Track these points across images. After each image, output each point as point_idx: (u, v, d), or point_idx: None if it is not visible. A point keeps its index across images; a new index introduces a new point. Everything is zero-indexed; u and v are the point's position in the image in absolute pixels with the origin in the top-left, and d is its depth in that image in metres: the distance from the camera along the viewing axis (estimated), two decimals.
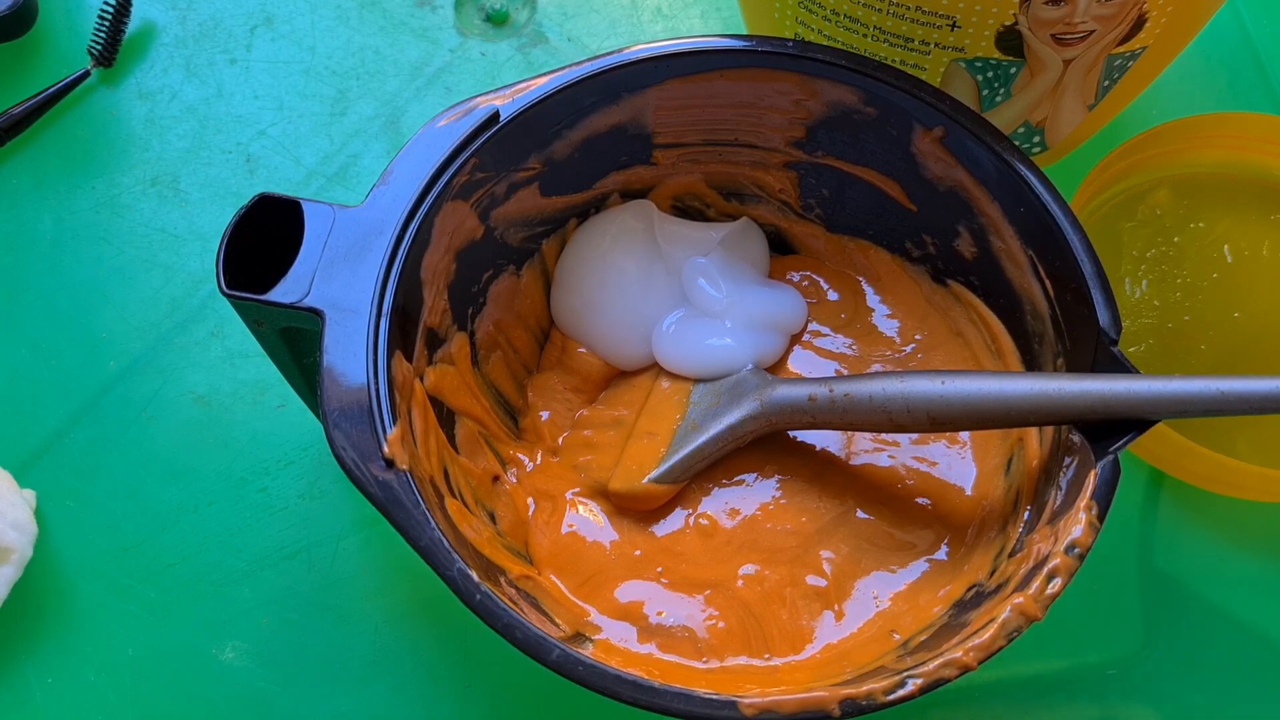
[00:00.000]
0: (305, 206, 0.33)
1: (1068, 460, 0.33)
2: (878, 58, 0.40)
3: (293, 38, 0.51)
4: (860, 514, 0.38)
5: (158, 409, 0.44)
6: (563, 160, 0.39)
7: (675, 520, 0.38)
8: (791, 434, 0.40)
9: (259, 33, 0.51)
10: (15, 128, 0.48)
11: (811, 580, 0.37)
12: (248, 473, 0.43)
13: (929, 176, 0.38)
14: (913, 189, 0.39)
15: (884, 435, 0.39)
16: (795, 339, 0.41)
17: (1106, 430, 0.32)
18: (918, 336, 0.41)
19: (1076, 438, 0.33)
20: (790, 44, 0.37)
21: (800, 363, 0.41)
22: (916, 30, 0.39)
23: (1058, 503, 0.33)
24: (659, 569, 0.37)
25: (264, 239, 0.33)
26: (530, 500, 0.39)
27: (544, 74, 0.36)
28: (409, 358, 0.34)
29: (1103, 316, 0.33)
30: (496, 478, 0.38)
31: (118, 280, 0.46)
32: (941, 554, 0.37)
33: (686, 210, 0.43)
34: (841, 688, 0.30)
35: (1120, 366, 0.32)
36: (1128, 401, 0.31)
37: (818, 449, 0.39)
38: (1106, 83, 0.41)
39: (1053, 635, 0.36)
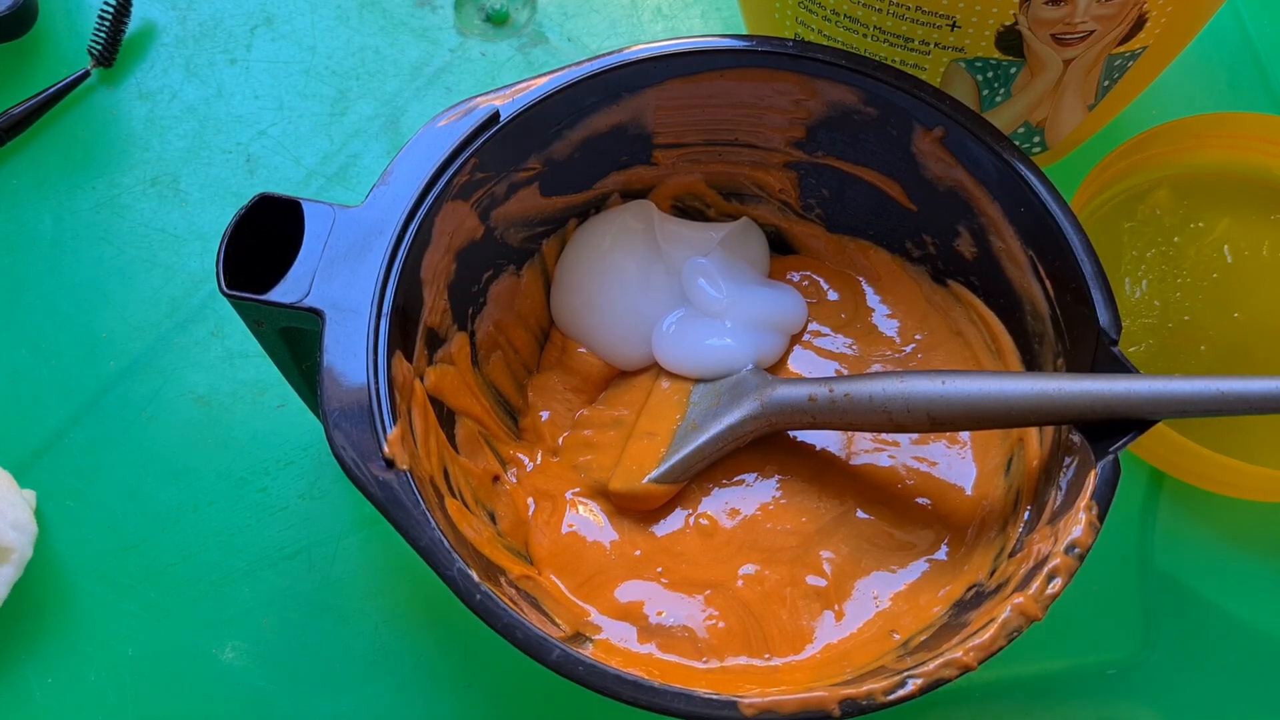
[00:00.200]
0: (305, 206, 0.33)
1: (1068, 460, 0.33)
2: (878, 58, 0.40)
3: (293, 38, 0.51)
4: (860, 514, 0.38)
5: (158, 409, 0.44)
6: (563, 160, 0.39)
7: (675, 520, 0.38)
8: (791, 434, 0.40)
9: (259, 33, 0.51)
10: (15, 128, 0.48)
11: (811, 580, 0.37)
12: (248, 473, 0.43)
13: (929, 176, 0.38)
14: (913, 189, 0.39)
15: (884, 435, 0.39)
16: (795, 339, 0.41)
17: (1107, 430, 0.32)
18: (918, 336, 0.41)
19: (1076, 438, 0.33)
20: (790, 44, 0.37)
21: (800, 363, 0.41)
22: (916, 30, 0.39)
23: (1058, 503, 0.33)
24: (659, 569, 0.37)
25: (264, 239, 0.33)
26: (530, 500, 0.39)
27: (544, 74, 0.36)
28: (409, 358, 0.34)
29: (1103, 316, 0.33)
30: (496, 478, 0.38)
31: (118, 280, 0.46)
32: (941, 554, 0.37)
33: (686, 210, 0.43)
34: (841, 688, 0.30)
35: (1120, 366, 0.32)
36: (1128, 401, 0.31)
37: (818, 449, 0.39)
38: (1106, 83, 0.41)
39: (1053, 635, 0.36)
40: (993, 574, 0.34)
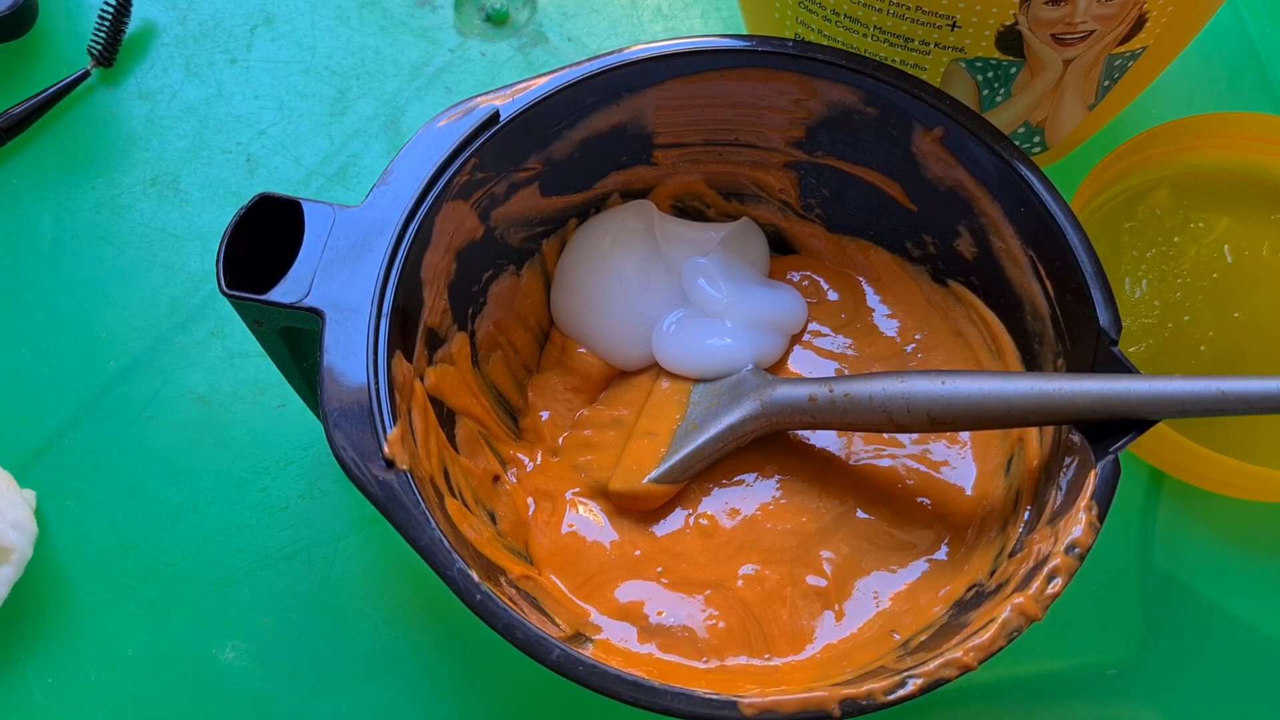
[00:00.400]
0: (305, 206, 0.33)
1: (1068, 460, 0.33)
2: (878, 58, 0.40)
3: (293, 38, 0.51)
4: (860, 514, 0.38)
5: (158, 409, 0.44)
6: (563, 160, 0.39)
7: (675, 520, 0.38)
8: (792, 434, 0.40)
9: (259, 33, 0.51)
10: (15, 128, 0.48)
11: (811, 580, 0.37)
12: (248, 473, 0.43)
13: (929, 176, 0.38)
14: (913, 189, 0.39)
15: (884, 435, 0.39)
16: (795, 339, 0.41)
17: (1107, 430, 0.32)
18: (918, 336, 0.41)
19: (1077, 438, 0.33)
20: (790, 44, 0.37)
21: (800, 363, 0.41)
22: (916, 30, 0.39)
23: (1058, 503, 0.33)
24: (659, 569, 0.37)
25: (264, 239, 0.33)
26: (530, 500, 0.39)
27: (544, 74, 0.36)
28: (409, 358, 0.34)
29: (1103, 316, 0.33)
30: (496, 478, 0.38)
31: (118, 280, 0.46)
32: (942, 554, 0.37)
33: (686, 210, 0.43)
34: (841, 688, 0.30)
35: (1120, 366, 0.32)
36: (1128, 401, 0.31)
37: (818, 449, 0.39)
38: (1106, 83, 0.41)
39: (1053, 635, 0.36)
40: (993, 574, 0.34)
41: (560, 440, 0.40)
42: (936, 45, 0.39)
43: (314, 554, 0.42)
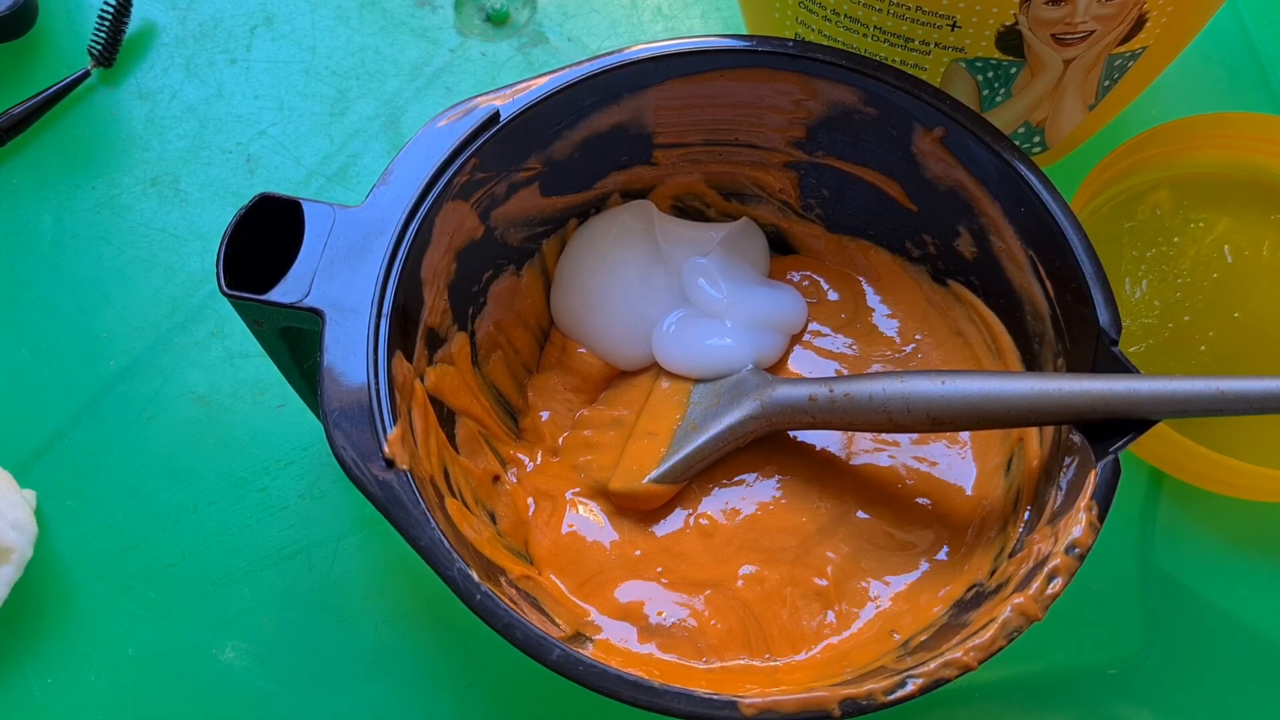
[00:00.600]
0: (305, 206, 0.33)
1: (1068, 460, 0.33)
2: (878, 58, 0.40)
3: (293, 38, 0.51)
4: (860, 514, 0.38)
5: (158, 409, 0.44)
6: (563, 160, 0.39)
7: (675, 520, 0.38)
8: (791, 434, 0.40)
9: (259, 33, 0.51)
10: (15, 128, 0.48)
11: (812, 580, 0.37)
12: (248, 473, 0.43)
13: (929, 176, 0.38)
14: (913, 189, 0.39)
15: (884, 435, 0.39)
16: (795, 339, 0.41)
17: (1107, 430, 0.32)
18: (918, 336, 0.41)
19: (1077, 438, 0.33)
20: (790, 44, 0.37)
21: (800, 363, 0.41)
22: (916, 30, 0.39)
23: (1058, 503, 0.33)
24: (659, 569, 0.37)
25: (264, 239, 0.33)
26: (530, 500, 0.39)
27: (544, 74, 0.36)
28: (409, 358, 0.34)
29: (1103, 316, 0.33)
30: (496, 478, 0.38)
31: (118, 280, 0.46)
32: (942, 554, 0.37)
33: (686, 210, 0.43)
34: (841, 688, 0.30)
35: (1120, 366, 0.32)
36: (1128, 401, 0.31)
37: (818, 449, 0.39)
38: (1106, 83, 0.41)
39: (1053, 635, 0.36)
40: (993, 574, 0.34)
41: (560, 440, 0.40)
42: (936, 45, 0.39)
43: (314, 554, 0.42)
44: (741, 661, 0.36)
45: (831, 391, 0.36)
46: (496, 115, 0.35)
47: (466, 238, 0.37)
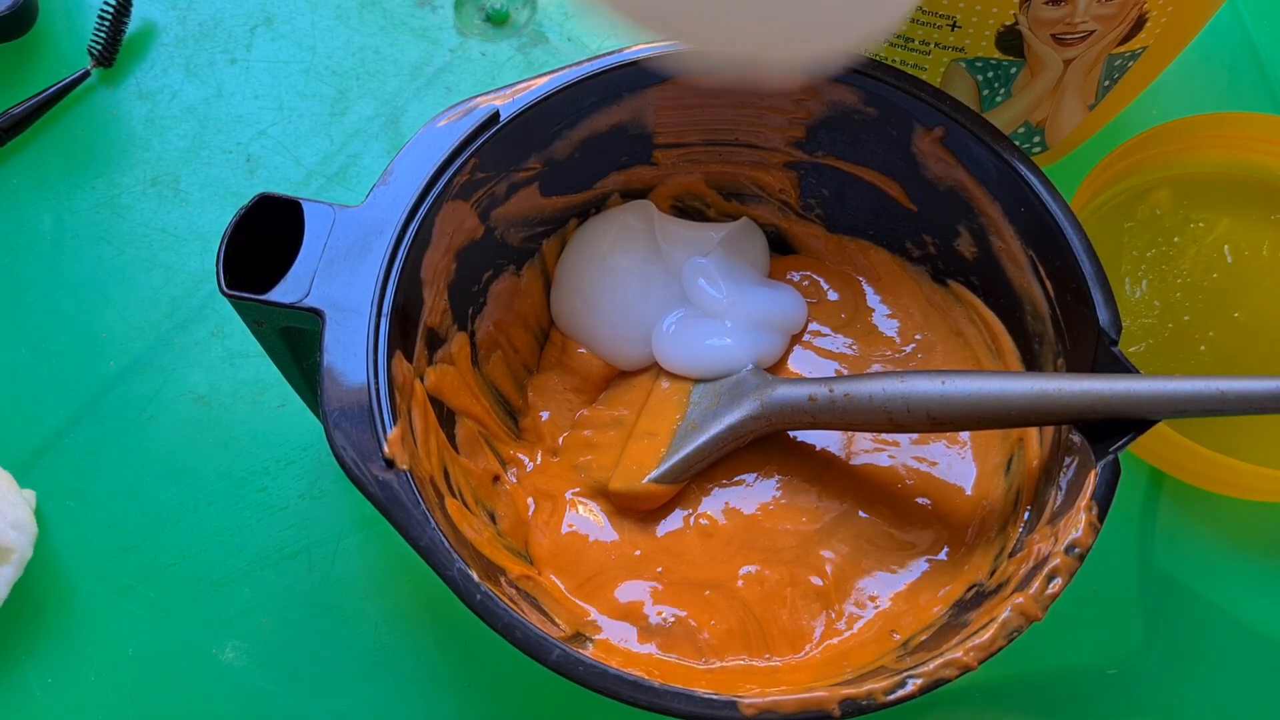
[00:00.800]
0: (305, 206, 0.33)
1: (1068, 460, 0.33)
2: (878, 58, 0.40)
3: (293, 38, 0.51)
4: (860, 514, 0.38)
5: (158, 409, 0.44)
6: (563, 160, 0.39)
7: (675, 520, 0.38)
8: (791, 434, 0.40)
9: (259, 33, 0.51)
10: (15, 128, 0.48)
11: (811, 580, 0.37)
12: (248, 473, 0.43)
13: (929, 176, 0.38)
14: (913, 189, 0.39)
15: (884, 435, 0.39)
16: (795, 339, 0.41)
17: (1107, 430, 0.32)
18: (918, 336, 0.41)
19: (1077, 438, 0.33)
20: None
21: (800, 363, 0.41)
22: (917, 30, 0.39)
23: (1058, 503, 0.33)
24: (659, 569, 0.37)
25: (264, 239, 0.33)
26: (530, 500, 0.39)
27: (544, 74, 0.36)
28: (409, 358, 0.34)
29: (1103, 316, 0.33)
30: (496, 478, 0.38)
31: (118, 280, 0.46)
32: (942, 554, 0.37)
33: (686, 210, 0.43)
34: (841, 688, 0.30)
35: (1120, 366, 0.32)
36: (1128, 401, 0.31)
37: (818, 449, 0.39)
38: (1106, 83, 0.41)
39: (1053, 635, 0.36)
40: (993, 574, 0.34)
41: (560, 440, 0.40)
42: (937, 45, 0.39)
43: (314, 554, 0.42)
44: (741, 661, 0.36)
45: (831, 391, 0.36)
46: (496, 115, 0.35)
47: (466, 238, 0.37)
